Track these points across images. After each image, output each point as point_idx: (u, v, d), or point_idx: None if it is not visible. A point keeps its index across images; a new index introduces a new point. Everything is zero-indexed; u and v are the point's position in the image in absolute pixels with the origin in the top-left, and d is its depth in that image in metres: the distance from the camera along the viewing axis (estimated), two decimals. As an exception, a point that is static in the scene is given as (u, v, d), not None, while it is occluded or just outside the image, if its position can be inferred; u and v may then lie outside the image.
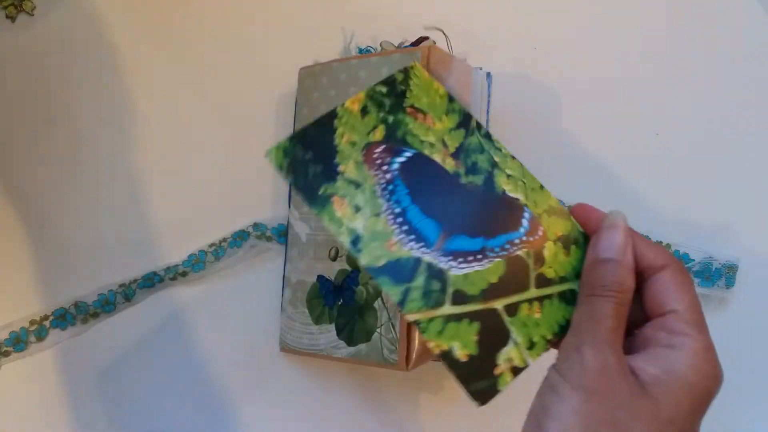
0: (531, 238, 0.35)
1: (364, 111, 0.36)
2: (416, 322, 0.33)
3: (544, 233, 0.35)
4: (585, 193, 0.49)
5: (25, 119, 0.53)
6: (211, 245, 0.50)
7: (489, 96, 0.46)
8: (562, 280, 0.35)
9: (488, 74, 0.46)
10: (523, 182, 0.36)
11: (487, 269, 0.34)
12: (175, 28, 0.54)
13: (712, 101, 0.50)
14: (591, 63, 0.51)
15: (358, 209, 0.35)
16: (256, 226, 0.50)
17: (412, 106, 0.37)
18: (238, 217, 0.51)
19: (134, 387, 0.50)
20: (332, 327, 0.44)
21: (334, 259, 0.44)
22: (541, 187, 0.36)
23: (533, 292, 0.35)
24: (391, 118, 0.36)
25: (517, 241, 0.35)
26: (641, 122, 0.50)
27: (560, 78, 0.51)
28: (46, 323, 0.50)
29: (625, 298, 0.32)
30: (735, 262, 0.47)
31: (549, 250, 0.35)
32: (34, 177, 0.52)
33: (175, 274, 0.50)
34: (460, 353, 0.33)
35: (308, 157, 0.35)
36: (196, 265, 0.50)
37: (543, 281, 0.35)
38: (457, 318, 0.33)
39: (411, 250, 0.34)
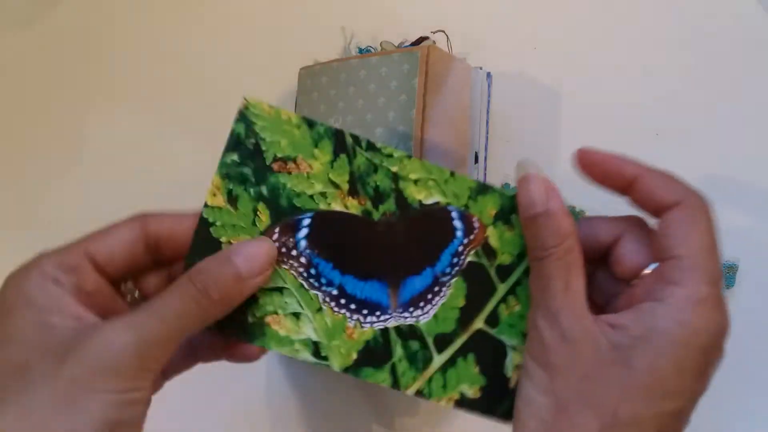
0: (471, 236, 0.32)
1: (231, 199, 0.31)
2: (419, 392, 0.31)
3: (480, 222, 0.32)
4: (585, 192, 0.49)
5: (26, 119, 0.53)
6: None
7: (489, 96, 0.47)
8: (520, 257, 0.32)
9: (488, 74, 0.47)
10: (434, 180, 0.32)
11: (451, 296, 0.32)
12: (174, 27, 0.54)
13: (712, 101, 0.50)
14: (591, 63, 0.51)
15: (297, 316, 0.31)
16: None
17: (275, 159, 0.31)
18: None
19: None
20: None
21: None
22: (452, 174, 0.32)
23: (502, 288, 0.32)
24: (264, 189, 0.31)
25: (460, 249, 0.32)
26: (641, 122, 0.50)
27: (560, 78, 0.51)
28: (46, 323, 0.49)
29: (566, 248, 0.28)
30: (735, 263, 0.47)
31: (493, 236, 0.32)
32: (33, 177, 0.52)
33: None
34: (472, 393, 0.31)
35: None
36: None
37: (504, 271, 0.32)
38: (452, 363, 0.31)
39: (372, 325, 0.31)
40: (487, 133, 0.46)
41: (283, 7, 0.54)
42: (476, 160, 0.45)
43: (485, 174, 0.46)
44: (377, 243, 0.31)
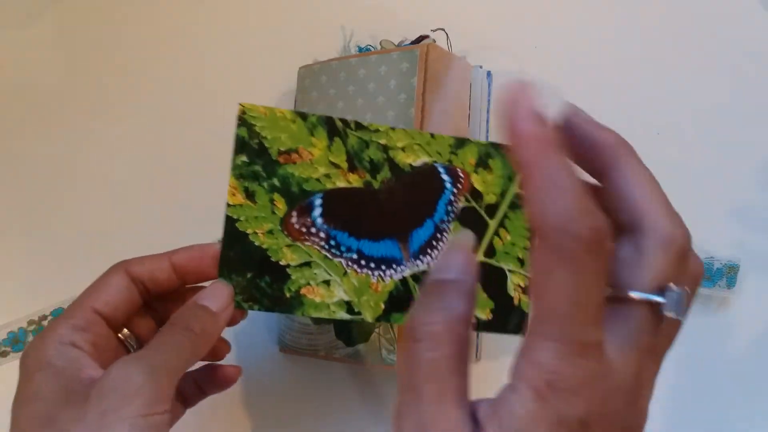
0: (459, 185, 0.36)
1: (249, 195, 0.34)
2: None
3: (464, 171, 0.36)
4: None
5: (25, 119, 0.53)
6: (210, 245, 0.50)
7: (489, 95, 0.46)
8: (503, 194, 0.36)
9: (488, 73, 0.46)
10: (418, 144, 0.36)
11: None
12: (173, 27, 0.54)
13: (712, 101, 0.50)
14: (591, 62, 0.51)
15: (328, 283, 0.35)
16: (255, 225, 0.50)
17: (279, 153, 0.34)
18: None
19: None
20: (331, 327, 0.44)
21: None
22: (432, 135, 0.36)
23: (492, 224, 0.36)
24: (276, 181, 0.34)
25: (451, 197, 0.36)
26: (642, 122, 0.50)
27: (560, 77, 0.51)
28: (45, 323, 0.49)
29: (452, 334, 0.23)
30: (736, 263, 0.47)
31: (477, 181, 0.36)
32: (33, 177, 0.52)
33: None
34: (485, 316, 0.36)
35: (249, 276, 0.34)
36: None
37: (492, 209, 0.36)
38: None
39: (392, 277, 0.35)
40: (488, 131, 0.46)
41: (282, 6, 0.54)
42: None
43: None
44: (382, 207, 0.36)
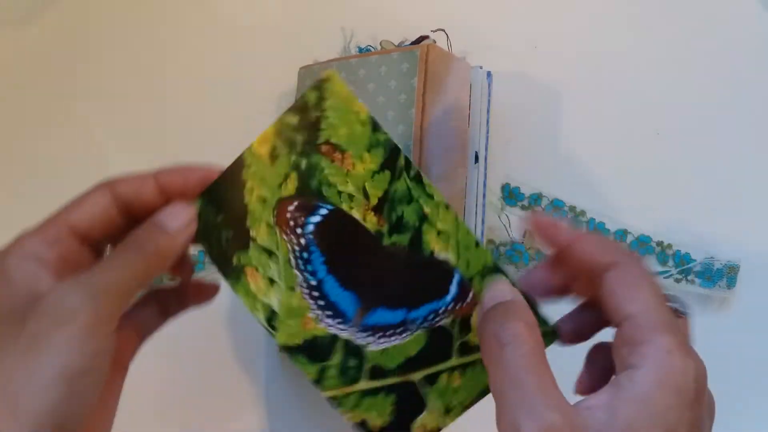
0: (459, 305, 0.32)
1: (273, 155, 0.31)
2: (332, 398, 0.32)
3: (474, 298, 0.32)
4: (585, 192, 0.49)
5: (25, 118, 0.53)
6: (210, 245, 0.50)
7: (489, 95, 0.46)
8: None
9: (488, 73, 0.46)
10: (456, 240, 0.32)
11: (407, 343, 0.32)
12: (173, 27, 0.54)
13: (713, 100, 0.50)
14: (591, 62, 0.51)
15: (272, 282, 0.32)
16: (255, 225, 0.50)
17: (327, 142, 0.31)
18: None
19: (133, 386, 0.50)
20: None
21: None
22: (477, 244, 0.32)
23: (454, 361, 0.33)
24: (304, 162, 0.31)
25: (441, 310, 0.32)
26: (642, 122, 0.50)
27: (561, 77, 0.51)
28: (45, 322, 0.49)
29: (533, 335, 0.27)
30: (736, 263, 0.47)
31: (476, 317, 0.32)
32: (32, 176, 0.52)
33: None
34: (374, 423, 0.33)
35: (219, 219, 0.32)
36: (195, 265, 0.50)
37: (466, 349, 0.32)
38: (374, 392, 0.33)
39: (327, 327, 0.32)
40: (488, 132, 0.46)
41: (282, 6, 0.54)
42: (476, 160, 0.44)
43: (485, 173, 0.46)
44: (373, 264, 0.32)
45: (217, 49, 0.53)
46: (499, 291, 0.30)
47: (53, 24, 0.54)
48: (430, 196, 0.32)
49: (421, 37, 0.49)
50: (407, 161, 0.31)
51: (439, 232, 0.32)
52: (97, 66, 0.53)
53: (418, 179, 0.31)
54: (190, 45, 0.53)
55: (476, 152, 0.44)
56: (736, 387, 0.47)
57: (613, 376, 0.27)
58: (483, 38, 0.52)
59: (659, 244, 0.47)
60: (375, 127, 0.31)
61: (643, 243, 0.47)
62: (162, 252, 0.30)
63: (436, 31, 0.49)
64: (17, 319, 0.28)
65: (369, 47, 0.50)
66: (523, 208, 0.49)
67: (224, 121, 0.53)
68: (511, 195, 0.49)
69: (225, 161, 0.53)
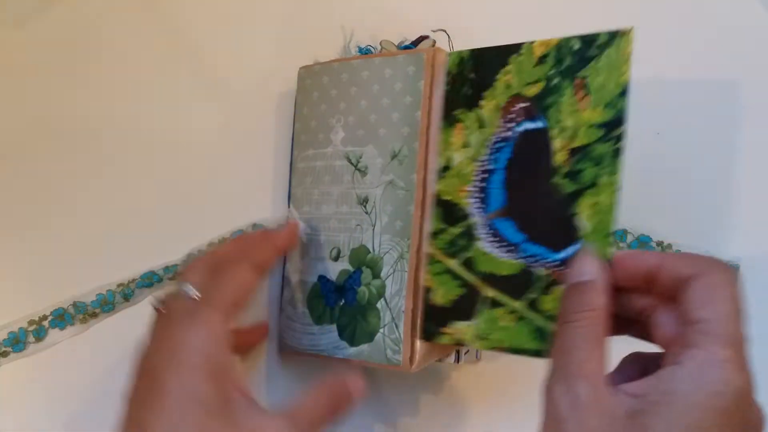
0: (559, 269, 0.34)
1: (542, 59, 0.36)
2: (430, 254, 0.39)
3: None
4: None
5: (25, 118, 0.53)
6: (209, 245, 0.50)
7: None
8: (551, 318, 0.34)
9: None
10: (599, 220, 0.33)
11: (504, 262, 0.36)
12: (172, 27, 0.54)
13: (712, 100, 0.50)
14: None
15: (466, 145, 0.38)
16: (254, 226, 0.50)
17: (583, 78, 0.35)
18: (237, 217, 0.51)
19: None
20: (334, 327, 0.44)
21: (335, 259, 0.44)
22: (607, 236, 0.33)
23: (519, 305, 0.35)
24: (555, 81, 0.35)
25: (544, 261, 0.35)
26: (642, 122, 0.50)
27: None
28: (45, 323, 0.49)
29: (595, 319, 0.29)
30: (736, 263, 0.47)
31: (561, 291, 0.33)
32: (32, 177, 0.52)
33: (174, 274, 0.50)
34: (433, 297, 0.39)
35: (471, 77, 0.38)
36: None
37: (534, 305, 0.35)
38: (454, 276, 0.38)
39: (469, 204, 0.37)
40: None
41: (281, 7, 0.54)
42: None
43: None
44: (533, 186, 0.37)
45: (216, 49, 0.53)
46: (584, 267, 0.31)
47: (50, 26, 0.54)
48: (613, 173, 0.34)
49: (421, 37, 0.49)
50: (621, 136, 0.34)
51: (594, 204, 0.34)
52: (97, 66, 0.53)
53: (617, 154, 0.34)
54: (190, 45, 0.53)
55: None
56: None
57: (660, 370, 0.27)
58: (482, 38, 0.51)
59: (659, 244, 0.48)
60: (623, 93, 0.35)
61: (643, 243, 0.48)
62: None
63: (436, 31, 0.49)
64: (227, 415, 0.31)
65: (369, 47, 0.50)
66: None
67: (224, 122, 0.53)
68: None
69: (225, 161, 0.53)
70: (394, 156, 0.42)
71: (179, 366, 0.31)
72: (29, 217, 0.51)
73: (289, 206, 0.48)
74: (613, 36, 0.35)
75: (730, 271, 0.29)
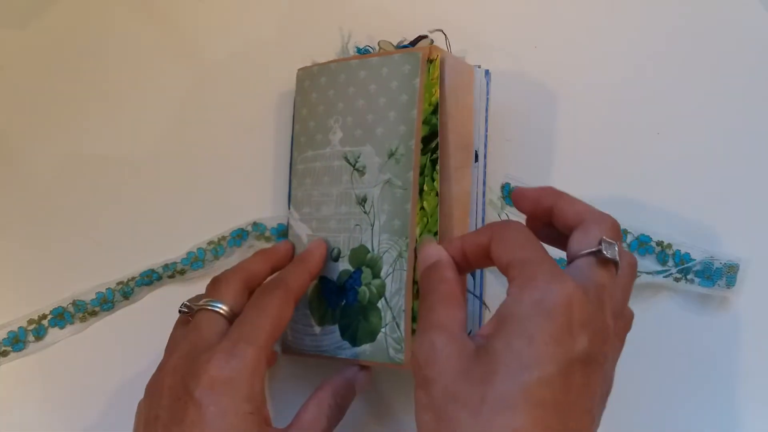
0: None
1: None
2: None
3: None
4: (585, 192, 0.49)
5: (25, 117, 0.53)
6: (210, 243, 0.50)
7: (488, 94, 0.46)
8: None
9: (486, 72, 0.46)
10: (427, 223, 0.40)
11: None
12: (172, 28, 0.54)
13: (713, 101, 0.50)
14: (592, 62, 0.51)
15: None
16: (255, 225, 0.50)
17: None
18: (238, 216, 0.51)
19: (134, 386, 0.50)
20: (336, 328, 0.43)
21: (336, 260, 0.44)
22: (435, 235, 0.40)
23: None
24: None
25: None
26: (642, 122, 0.50)
27: (561, 77, 0.51)
28: (45, 322, 0.49)
29: (447, 286, 0.33)
30: (736, 262, 0.47)
31: None
32: (32, 176, 0.52)
33: (174, 272, 0.50)
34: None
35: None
36: (194, 263, 0.50)
37: None
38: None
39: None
40: (486, 131, 0.46)
41: (279, 7, 0.54)
42: (476, 159, 0.44)
43: (485, 173, 0.46)
44: None
45: (215, 50, 0.53)
46: (429, 252, 0.36)
47: (54, 26, 0.54)
48: (433, 180, 0.41)
49: (419, 37, 0.49)
50: (436, 148, 0.40)
51: (421, 208, 0.40)
52: (97, 66, 0.53)
53: (434, 164, 0.40)
54: (190, 46, 0.53)
55: (476, 151, 0.44)
56: (735, 387, 0.47)
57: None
58: (481, 38, 0.51)
59: (659, 244, 0.47)
60: (435, 111, 0.41)
61: (643, 243, 0.47)
62: None
63: (434, 31, 0.49)
64: None
65: (367, 48, 0.50)
66: (522, 207, 0.49)
67: (224, 123, 0.53)
68: (501, 202, 0.49)
69: (224, 162, 0.53)
70: (391, 155, 0.42)
71: (219, 401, 0.33)
72: (29, 216, 0.51)
73: (289, 208, 0.48)
74: (428, 62, 0.40)
75: (606, 218, 0.33)
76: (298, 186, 0.47)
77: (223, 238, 0.50)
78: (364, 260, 0.42)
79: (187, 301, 0.41)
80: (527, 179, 0.49)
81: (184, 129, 0.52)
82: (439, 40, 0.48)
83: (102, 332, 0.50)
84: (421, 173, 0.40)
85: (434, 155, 0.40)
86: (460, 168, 0.43)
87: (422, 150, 0.40)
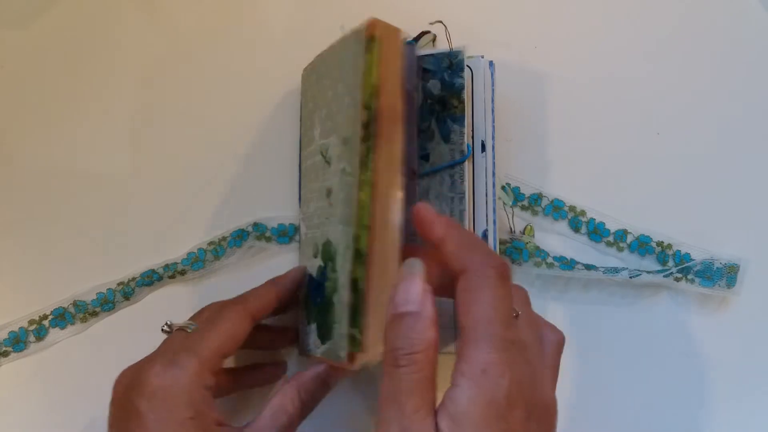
0: None
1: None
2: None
3: None
4: (585, 192, 0.49)
5: (25, 117, 0.53)
6: (210, 243, 0.50)
7: (493, 84, 0.45)
8: None
9: (491, 63, 0.45)
10: (361, 215, 0.37)
11: None
12: (173, 29, 0.54)
13: (713, 100, 0.50)
14: (592, 62, 0.51)
15: None
16: (256, 225, 0.50)
17: None
18: (239, 217, 0.51)
19: (134, 386, 0.50)
20: (315, 326, 0.42)
21: (315, 256, 0.42)
22: (365, 227, 0.36)
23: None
24: None
25: None
26: (643, 122, 0.50)
27: (561, 76, 0.51)
28: (45, 322, 0.49)
29: (425, 360, 0.29)
30: (736, 262, 0.47)
31: None
32: (32, 176, 0.52)
33: (174, 272, 0.50)
34: None
35: None
36: (195, 263, 0.50)
37: None
38: None
39: None
40: (493, 121, 0.45)
41: (283, 6, 0.54)
42: (483, 149, 0.44)
43: (493, 163, 0.45)
44: None
45: (219, 50, 0.53)
46: (409, 294, 0.30)
47: (53, 26, 0.54)
48: (367, 171, 0.36)
49: (423, 32, 0.49)
50: (372, 135, 0.36)
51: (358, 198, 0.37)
52: (97, 66, 0.53)
53: (368, 152, 0.36)
54: (192, 46, 0.53)
55: (482, 141, 0.44)
56: (735, 386, 0.47)
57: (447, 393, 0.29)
58: (484, 34, 0.51)
59: (659, 244, 0.47)
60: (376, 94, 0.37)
61: (643, 243, 0.48)
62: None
63: (434, 23, 0.48)
64: None
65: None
66: (523, 208, 0.49)
67: (228, 123, 0.52)
68: (510, 195, 0.49)
69: (228, 162, 0.53)
70: (346, 142, 0.38)
71: (157, 408, 0.34)
72: (30, 216, 0.51)
73: (299, 206, 0.48)
74: (368, 41, 0.36)
75: (492, 265, 0.30)
76: (303, 185, 0.47)
77: (224, 238, 0.50)
78: (329, 254, 0.40)
79: (172, 321, 0.41)
80: (527, 179, 0.49)
81: (185, 129, 0.52)
82: (441, 36, 0.47)
83: (103, 332, 0.50)
84: (362, 162, 0.36)
85: (370, 142, 0.36)
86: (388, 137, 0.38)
87: (363, 136, 0.36)
